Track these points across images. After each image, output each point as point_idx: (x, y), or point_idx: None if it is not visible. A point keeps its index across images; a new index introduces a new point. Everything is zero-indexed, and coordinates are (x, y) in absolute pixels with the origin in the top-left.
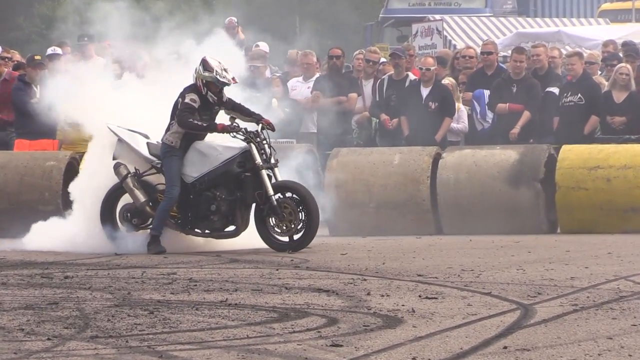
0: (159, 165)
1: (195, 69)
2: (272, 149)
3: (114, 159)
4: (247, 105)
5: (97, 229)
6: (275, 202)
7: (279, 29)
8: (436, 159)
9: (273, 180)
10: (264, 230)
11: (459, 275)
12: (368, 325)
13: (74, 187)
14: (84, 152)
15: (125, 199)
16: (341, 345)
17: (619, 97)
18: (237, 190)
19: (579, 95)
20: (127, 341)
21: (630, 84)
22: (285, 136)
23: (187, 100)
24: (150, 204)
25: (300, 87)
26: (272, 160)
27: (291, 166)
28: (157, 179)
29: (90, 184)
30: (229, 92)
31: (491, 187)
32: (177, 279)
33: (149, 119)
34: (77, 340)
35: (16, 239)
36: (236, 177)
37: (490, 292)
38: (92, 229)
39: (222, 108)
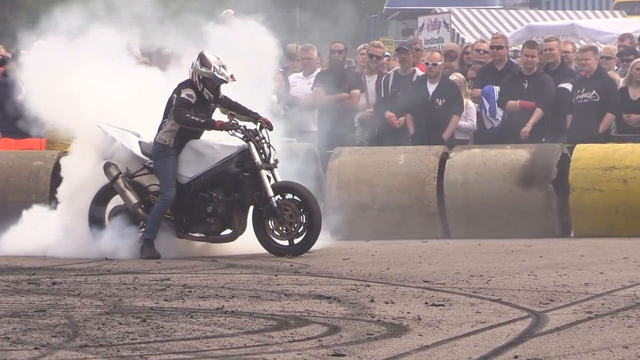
0: (151, 165)
1: (192, 64)
2: (271, 148)
3: (103, 158)
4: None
5: (77, 232)
6: (275, 204)
7: (278, 22)
8: (443, 158)
9: (272, 181)
10: (262, 233)
11: (467, 281)
12: (372, 334)
13: (60, 189)
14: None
15: (116, 200)
16: (343, 355)
17: (636, 93)
18: (234, 192)
19: (594, 91)
20: (118, 350)
21: None
22: (285, 134)
23: (183, 95)
24: (143, 206)
25: (301, 83)
26: (272, 160)
27: (291, 166)
28: (149, 180)
29: (71, 185)
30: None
31: (501, 188)
32: (171, 285)
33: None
34: (65, 349)
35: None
36: (234, 177)
37: (500, 298)
38: (74, 230)
39: (218, 106)
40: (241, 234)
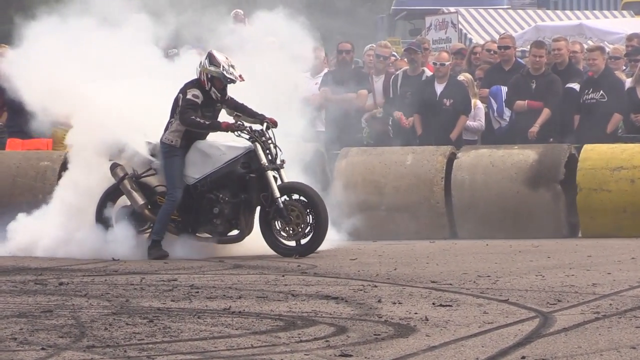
0: (157, 167)
1: (200, 63)
2: (278, 148)
3: (110, 159)
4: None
5: (84, 233)
6: (281, 205)
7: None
8: (451, 159)
9: (279, 182)
10: (269, 234)
11: (474, 282)
12: (379, 334)
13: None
14: None
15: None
16: (351, 355)
17: None
18: (241, 193)
19: (601, 92)
20: (125, 351)
21: None
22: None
23: (189, 96)
24: (149, 207)
25: (308, 83)
26: (278, 161)
27: (298, 167)
28: (156, 181)
29: (75, 186)
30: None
31: (509, 188)
32: (178, 286)
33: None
34: (72, 350)
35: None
36: (240, 178)
37: (508, 299)
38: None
39: (224, 106)
40: (248, 234)
